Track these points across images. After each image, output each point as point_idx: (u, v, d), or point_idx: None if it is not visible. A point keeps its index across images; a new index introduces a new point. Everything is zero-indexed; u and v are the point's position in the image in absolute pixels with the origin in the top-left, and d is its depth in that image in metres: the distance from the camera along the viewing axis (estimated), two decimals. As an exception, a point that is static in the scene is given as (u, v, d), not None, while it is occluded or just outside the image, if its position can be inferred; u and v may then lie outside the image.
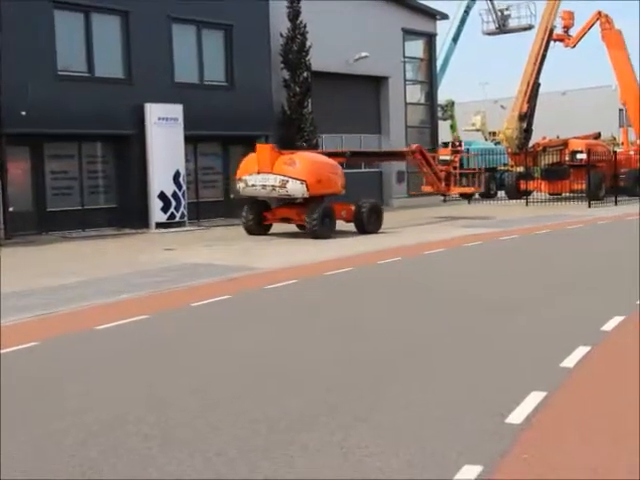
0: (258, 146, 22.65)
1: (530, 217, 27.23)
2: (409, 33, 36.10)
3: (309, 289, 13.37)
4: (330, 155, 23.76)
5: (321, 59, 29.97)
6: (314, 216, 21.25)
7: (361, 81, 33.78)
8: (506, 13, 49.77)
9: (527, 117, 36.59)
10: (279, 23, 29.16)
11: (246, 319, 10.75)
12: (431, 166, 27.91)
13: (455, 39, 48.71)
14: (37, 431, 6.09)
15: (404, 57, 35.77)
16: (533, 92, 36.87)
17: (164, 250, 19.34)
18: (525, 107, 36.31)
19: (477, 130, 52.16)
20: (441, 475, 5.05)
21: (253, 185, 21.95)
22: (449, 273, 14.94)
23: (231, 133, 27.82)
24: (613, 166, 34.88)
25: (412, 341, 9.02)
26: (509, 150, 37.43)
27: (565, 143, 36.95)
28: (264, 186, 21.72)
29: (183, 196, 25.68)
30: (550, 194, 35.45)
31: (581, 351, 8.08)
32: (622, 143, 43.48)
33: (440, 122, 43.32)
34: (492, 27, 50.45)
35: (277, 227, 23.17)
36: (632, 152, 38.63)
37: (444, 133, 46.54)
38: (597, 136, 40.75)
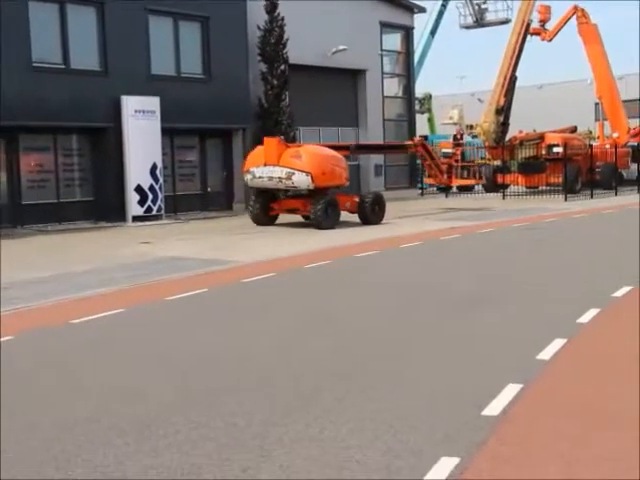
0: (265, 139, 23.11)
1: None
2: (387, 26, 36.10)
3: (284, 283, 13.34)
4: (334, 148, 24.32)
5: (299, 52, 29.89)
6: (318, 207, 21.92)
7: (339, 74, 33.74)
8: (483, 7, 49.85)
9: (504, 111, 36.64)
10: (256, 16, 29.05)
11: (220, 313, 10.72)
12: (433, 159, 28.92)
13: (433, 32, 48.72)
14: (12, 425, 6.03)
15: (382, 50, 35.78)
16: (510, 86, 36.93)
17: (140, 244, 19.25)
18: (502, 101, 36.38)
19: (454, 124, 52.15)
20: (419, 467, 5.04)
21: (260, 177, 22.51)
22: (426, 263, 14.97)
23: (208, 126, 27.71)
24: (589, 160, 35.09)
25: (386, 334, 9.02)
26: (486, 143, 37.51)
27: (542, 137, 37.08)
28: (271, 178, 22.29)
29: (160, 189, 25.56)
30: (527, 187, 35.62)
31: (558, 343, 8.11)
32: (598, 137, 43.65)
33: (418, 115, 43.37)
34: (469, 21, 50.51)
35: (282, 217, 23.59)
36: (608, 146, 38.81)
37: (421, 126, 46.56)
38: (573, 130, 40.93)
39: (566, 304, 10.33)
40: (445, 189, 36.77)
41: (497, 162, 36.73)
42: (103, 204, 25.05)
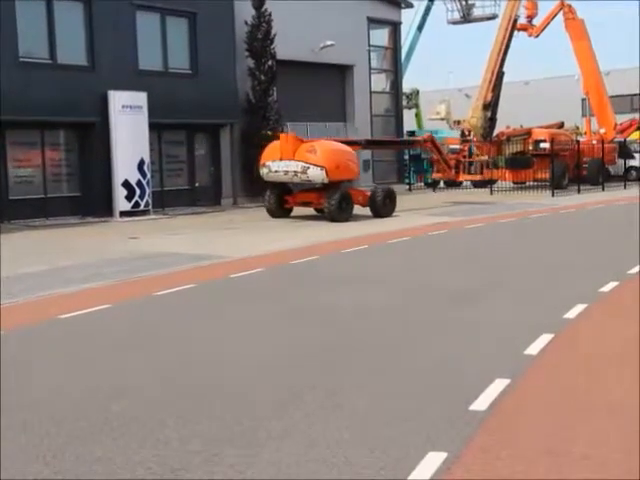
0: (281, 135, 24.10)
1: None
2: (374, 22, 36.09)
3: (274, 277, 13.35)
4: (347, 143, 25.04)
5: (286, 47, 29.86)
6: (332, 201, 22.54)
7: (326, 69, 33.72)
8: (470, 2, 49.76)
9: (491, 106, 36.70)
10: (244, 11, 29.01)
11: (208, 307, 10.72)
12: (441, 154, 29.84)
13: (420, 28, 48.75)
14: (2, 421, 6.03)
15: (369, 46, 35.77)
16: (497, 81, 37.00)
17: (128, 239, 19.21)
18: (489, 96, 36.43)
19: (442, 119, 52.15)
20: (406, 462, 5.06)
21: (276, 171, 23.25)
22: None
23: (196, 121, 27.66)
24: (576, 155, 35.20)
25: (372, 327, 9.04)
26: (474, 139, 37.56)
27: (529, 132, 37.19)
28: (286, 172, 23.01)
29: (147, 184, 25.51)
30: (514, 183, 35.69)
31: (545, 338, 8.15)
32: (585, 133, 43.76)
33: (405, 111, 43.37)
34: (457, 16, 50.46)
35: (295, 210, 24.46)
36: (595, 141, 38.89)
37: (409, 122, 46.57)
38: (560, 125, 41.00)
39: (557, 299, 10.39)
40: (433, 184, 36.97)
41: (484, 157, 36.78)
42: (90, 199, 24.98)
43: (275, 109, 29.72)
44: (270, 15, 29.39)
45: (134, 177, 25.07)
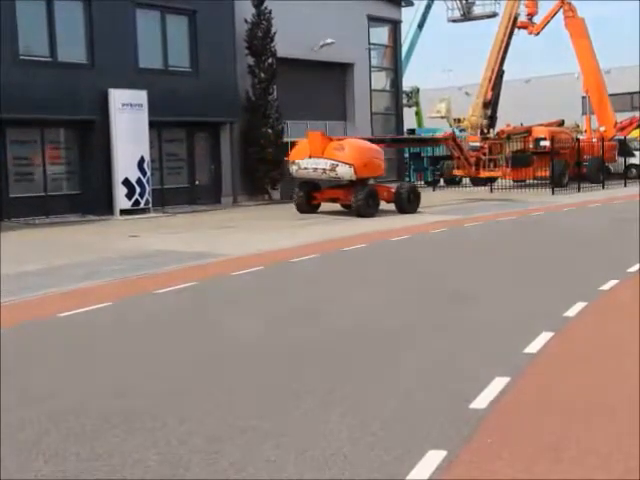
0: (310, 133, 24.57)
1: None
2: (374, 20, 36.07)
3: (275, 276, 13.37)
4: (372, 141, 25.76)
5: (286, 45, 29.85)
6: (359, 197, 23.05)
7: (326, 68, 33.71)
8: (470, 0, 49.81)
9: (491, 104, 36.72)
10: (244, 9, 29.00)
11: (210, 306, 10.73)
12: (462, 151, 30.80)
13: (420, 26, 48.76)
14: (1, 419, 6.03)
15: (369, 44, 35.75)
16: (497, 79, 37.00)
17: (128, 237, 19.20)
18: (490, 94, 36.43)
19: (442, 117, 52.12)
20: (406, 460, 5.06)
21: (305, 168, 23.79)
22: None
23: (196, 119, 27.65)
24: (576, 153, 35.16)
25: (372, 324, 9.04)
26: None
27: (529, 130, 37.11)
28: (315, 169, 23.55)
29: (147, 183, 25.50)
30: (514, 181, 35.62)
31: (545, 337, 8.15)
32: (585, 131, 43.73)
33: (405, 109, 43.37)
34: (457, 14, 50.42)
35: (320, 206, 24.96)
36: (595, 140, 38.89)
37: (409, 120, 46.56)
38: (560, 123, 40.99)
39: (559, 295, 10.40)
40: (433, 183, 37.03)
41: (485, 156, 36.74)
42: (91, 197, 24.96)
43: (275, 107, 29.73)
44: (270, 13, 29.38)
45: (134, 175, 25.06)
